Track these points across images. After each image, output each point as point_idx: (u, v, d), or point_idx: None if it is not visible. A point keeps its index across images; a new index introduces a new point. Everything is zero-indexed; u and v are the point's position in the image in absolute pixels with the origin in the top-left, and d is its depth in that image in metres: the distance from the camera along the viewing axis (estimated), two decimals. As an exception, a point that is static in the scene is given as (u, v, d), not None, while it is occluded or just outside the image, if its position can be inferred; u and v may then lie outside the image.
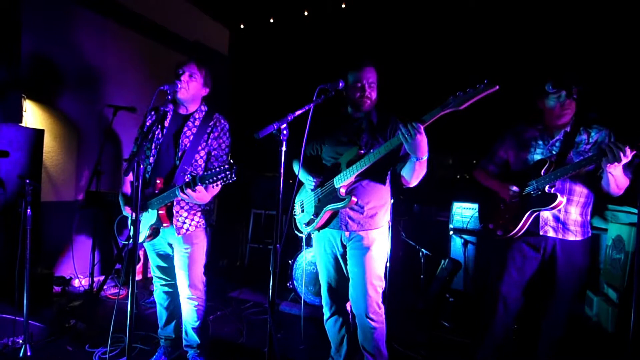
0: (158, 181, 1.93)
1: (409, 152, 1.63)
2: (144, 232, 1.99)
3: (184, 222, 1.98)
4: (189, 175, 1.86)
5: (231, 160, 1.69)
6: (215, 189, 1.85)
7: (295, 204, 2.07)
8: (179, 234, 1.97)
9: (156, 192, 1.92)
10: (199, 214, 2.03)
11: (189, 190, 1.75)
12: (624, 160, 1.58)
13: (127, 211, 2.05)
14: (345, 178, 1.78)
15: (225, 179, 1.66)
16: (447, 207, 3.57)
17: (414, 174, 1.72)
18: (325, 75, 1.90)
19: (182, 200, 1.97)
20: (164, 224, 1.94)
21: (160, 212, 1.92)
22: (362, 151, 1.77)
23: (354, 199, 1.78)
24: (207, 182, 1.68)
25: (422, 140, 1.55)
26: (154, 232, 2.01)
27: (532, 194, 1.88)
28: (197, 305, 2.08)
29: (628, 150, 1.56)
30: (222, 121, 2.05)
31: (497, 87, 1.37)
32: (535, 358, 1.99)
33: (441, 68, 3.69)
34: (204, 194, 1.81)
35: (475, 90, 1.41)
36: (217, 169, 1.66)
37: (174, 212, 1.96)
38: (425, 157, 1.63)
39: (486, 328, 2.02)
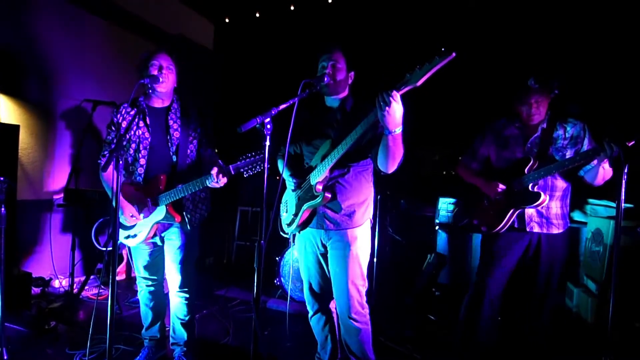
0: (162, 177, 1.92)
1: (382, 124, 1.47)
2: (144, 231, 1.94)
3: (194, 215, 1.99)
4: (219, 163, 1.86)
5: (260, 152, 1.75)
6: None
7: (281, 205, 2.03)
8: (190, 226, 1.97)
9: (161, 188, 1.90)
10: (200, 204, 2.03)
11: (221, 178, 1.80)
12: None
13: (126, 212, 1.95)
14: (319, 173, 1.73)
15: (256, 169, 1.77)
16: (434, 203, 3.60)
17: (389, 154, 1.54)
18: (312, 70, 1.87)
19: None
20: (176, 219, 1.93)
21: (168, 207, 1.91)
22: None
23: (327, 195, 1.71)
24: (242, 170, 1.79)
25: (397, 110, 1.39)
26: (158, 230, 1.97)
27: (515, 191, 1.91)
28: (188, 299, 2.06)
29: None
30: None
31: (454, 54, 1.25)
32: (524, 347, 2.03)
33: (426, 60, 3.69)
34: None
35: (432, 63, 1.30)
36: (252, 159, 1.77)
37: (185, 205, 1.95)
38: (398, 130, 1.46)
39: (473, 324, 2.03)
